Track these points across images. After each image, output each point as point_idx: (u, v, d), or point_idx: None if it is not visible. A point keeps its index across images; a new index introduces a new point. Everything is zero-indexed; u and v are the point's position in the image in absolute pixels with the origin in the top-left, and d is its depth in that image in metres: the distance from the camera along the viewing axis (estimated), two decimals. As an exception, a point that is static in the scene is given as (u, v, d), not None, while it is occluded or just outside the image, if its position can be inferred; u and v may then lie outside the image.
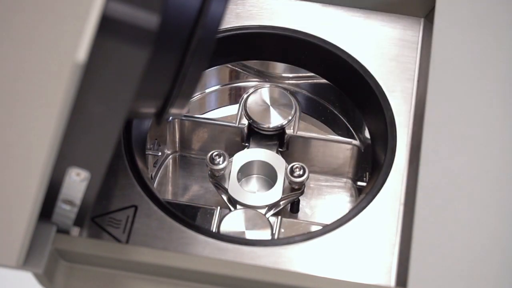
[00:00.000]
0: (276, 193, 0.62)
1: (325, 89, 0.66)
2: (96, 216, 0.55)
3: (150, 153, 0.65)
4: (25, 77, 0.43)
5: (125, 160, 0.58)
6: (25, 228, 0.47)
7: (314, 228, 0.61)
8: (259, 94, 0.65)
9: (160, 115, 0.51)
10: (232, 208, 0.62)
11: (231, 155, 0.64)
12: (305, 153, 0.65)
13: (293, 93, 0.66)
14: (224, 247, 0.54)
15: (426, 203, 0.53)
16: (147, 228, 0.55)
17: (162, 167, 0.67)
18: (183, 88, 0.49)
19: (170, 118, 0.65)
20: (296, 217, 0.65)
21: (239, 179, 0.63)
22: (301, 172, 0.62)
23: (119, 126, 0.45)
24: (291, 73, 0.67)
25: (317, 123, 0.67)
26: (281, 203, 0.63)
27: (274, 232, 0.60)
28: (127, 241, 0.54)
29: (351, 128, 0.66)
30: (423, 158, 0.55)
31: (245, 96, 0.66)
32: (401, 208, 0.56)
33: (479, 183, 0.54)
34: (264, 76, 0.67)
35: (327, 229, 0.55)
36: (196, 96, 0.67)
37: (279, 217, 0.62)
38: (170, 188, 0.66)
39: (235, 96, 0.68)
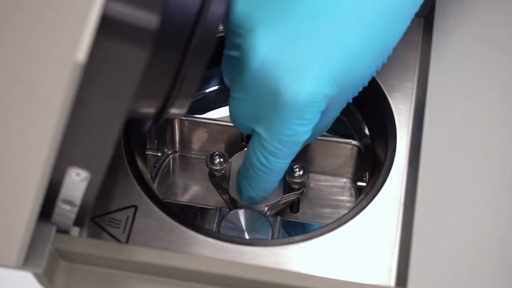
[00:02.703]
0: (276, 193, 0.62)
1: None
2: (96, 216, 0.55)
3: (150, 153, 0.65)
4: (25, 77, 0.43)
5: (125, 160, 0.58)
6: (25, 228, 0.47)
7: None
8: (259, 94, 0.65)
9: (160, 115, 0.51)
10: (232, 208, 0.62)
11: (231, 155, 0.63)
12: (305, 153, 0.65)
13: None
14: (224, 247, 0.54)
15: (426, 203, 0.53)
16: (147, 228, 0.55)
17: (162, 167, 0.66)
18: (183, 88, 0.49)
19: (170, 118, 0.65)
20: (296, 217, 0.65)
21: (239, 179, 0.63)
22: (301, 172, 0.62)
23: (119, 126, 0.45)
24: (291, 73, 0.67)
25: (317, 123, 0.67)
26: (281, 203, 0.63)
27: (274, 232, 0.60)
28: (127, 241, 0.54)
29: (351, 128, 0.66)
30: (423, 158, 0.55)
31: (245, 96, 0.66)
32: (401, 208, 0.56)
33: (479, 183, 0.54)
34: (264, 76, 0.67)
35: (327, 229, 0.55)
36: (196, 96, 0.67)
37: (279, 217, 0.62)
38: (170, 188, 0.66)
39: (235, 96, 0.68)
